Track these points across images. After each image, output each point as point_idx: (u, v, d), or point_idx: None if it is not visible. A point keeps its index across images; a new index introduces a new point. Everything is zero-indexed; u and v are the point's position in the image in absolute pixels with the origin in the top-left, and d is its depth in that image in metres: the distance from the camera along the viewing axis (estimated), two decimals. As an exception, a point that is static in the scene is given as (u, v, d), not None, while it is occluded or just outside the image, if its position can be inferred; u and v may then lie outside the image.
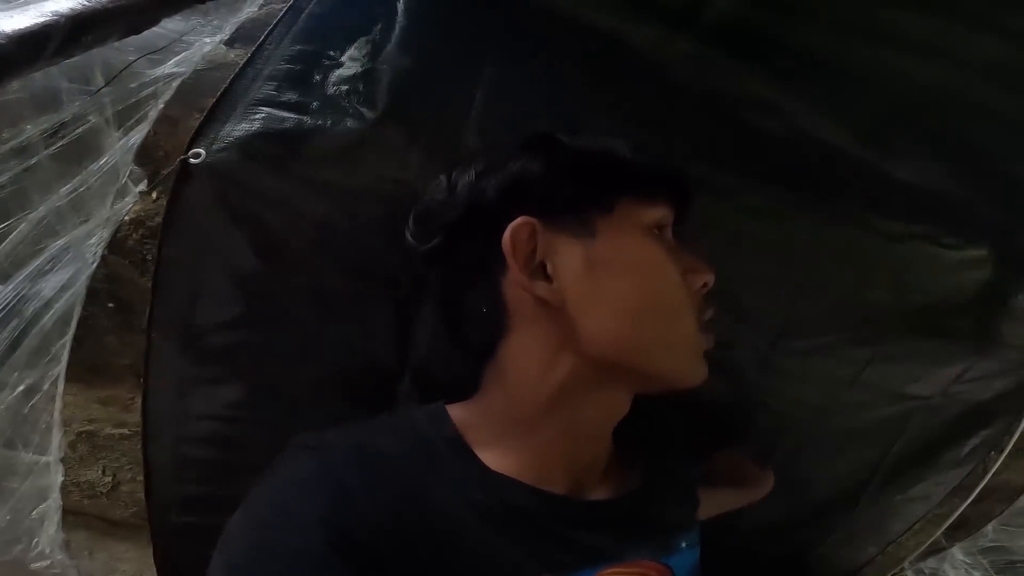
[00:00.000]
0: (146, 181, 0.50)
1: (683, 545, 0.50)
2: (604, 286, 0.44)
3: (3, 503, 0.56)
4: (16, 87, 0.41)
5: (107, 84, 0.43)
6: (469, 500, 0.42)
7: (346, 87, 0.56)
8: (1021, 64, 0.54)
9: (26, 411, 0.52)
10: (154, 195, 0.56)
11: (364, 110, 0.56)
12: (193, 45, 0.49)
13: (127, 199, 0.48)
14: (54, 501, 0.58)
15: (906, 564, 0.85)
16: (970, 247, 0.67)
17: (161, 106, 0.48)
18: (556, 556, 0.43)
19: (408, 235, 0.51)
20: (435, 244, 0.49)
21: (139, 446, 0.58)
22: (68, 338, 0.50)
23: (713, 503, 0.66)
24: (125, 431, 0.72)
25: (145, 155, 0.51)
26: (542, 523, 0.43)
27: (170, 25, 0.47)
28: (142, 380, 0.56)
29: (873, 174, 0.62)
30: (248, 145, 0.54)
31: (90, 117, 0.44)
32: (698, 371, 0.47)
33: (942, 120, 0.58)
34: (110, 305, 0.65)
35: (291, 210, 0.56)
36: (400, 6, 0.57)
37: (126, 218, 0.57)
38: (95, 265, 0.49)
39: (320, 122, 0.56)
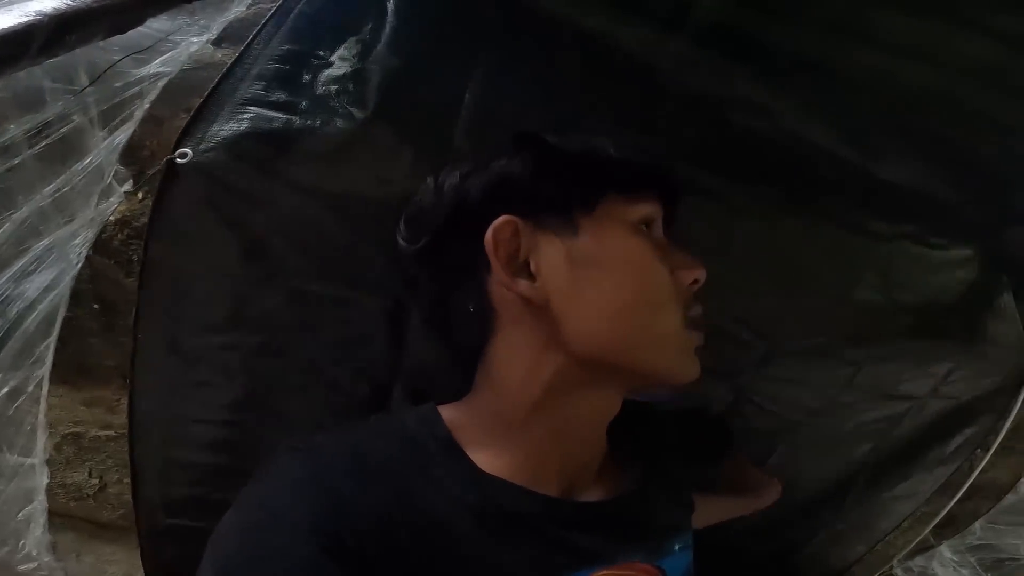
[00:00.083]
0: (131, 181, 0.49)
1: (676, 548, 0.50)
2: (587, 283, 0.44)
3: (-12, 505, 0.55)
4: (-1, 86, 0.41)
5: (91, 84, 0.43)
6: (461, 502, 0.42)
7: (335, 87, 0.56)
8: (1005, 65, 0.55)
9: (10, 413, 0.52)
10: (140, 195, 0.55)
11: (354, 110, 0.56)
12: (180, 45, 0.49)
13: (112, 199, 0.48)
14: (40, 503, 0.58)
15: (895, 562, 0.86)
16: (956, 247, 0.68)
17: (147, 106, 0.47)
18: (549, 558, 0.43)
19: (399, 237, 0.51)
20: (422, 245, 0.49)
21: (126, 448, 0.57)
22: (52, 339, 0.49)
23: (717, 510, 0.66)
24: (111, 433, 0.72)
25: (130, 155, 0.51)
26: (535, 525, 0.43)
27: (156, 25, 0.46)
28: (128, 382, 0.55)
29: (859, 175, 0.62)
30: (236, 145, 0.54)
31: (74, 117, 0.43)
32: (688, 368, 0.46)
33: (927, 121, 0.59)
34: (95, 306, 0.64)
35: (279, 211, 0.56)
36: (390, 6, 0.56)
37: (111, 218, 0.56)
38: (79, 266, 0.49)
39: (309, 122, 0.55)
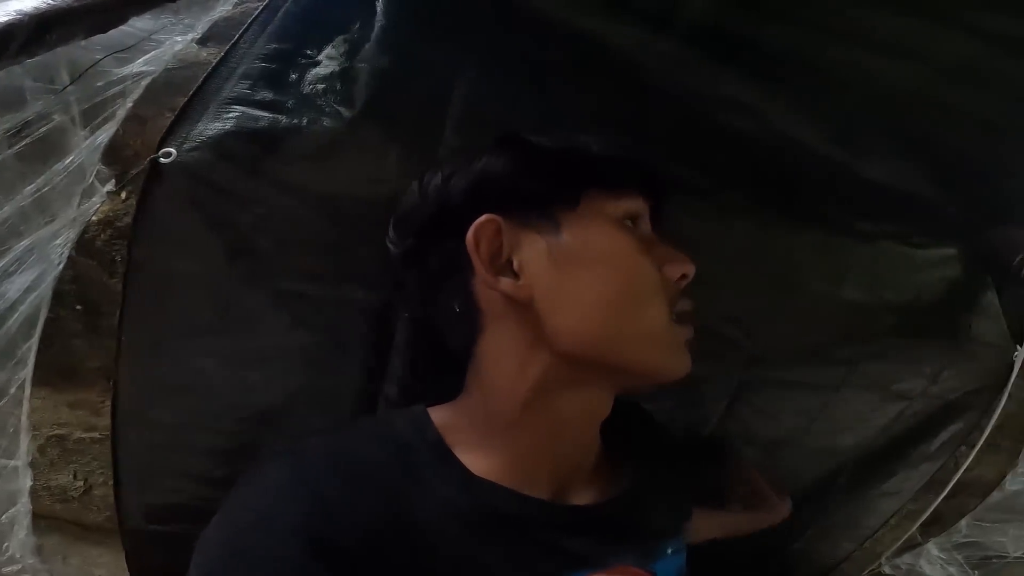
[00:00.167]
0: (114, 181, 0.49)
1: (668, 551, 0.50)
2: (570, 280, 0.44)
3: (-29, 508, 0.55)
4: (-21, 85, 0.40)
5: (72, 83, 0.42)
6: (450, 505, 0.41)
7: (323, 86, 0.56)
8: (990, 64, 0.55)
9: (-7, 415, 0.52)
10: (123, 195, 0.55)
11: (341, 109, 0.55)
12: (164, 44, 0.48)
13: (94, 199, 0.47)
14: (23, 505, 0.57)
15: (883, 560, 0.87)
16: (939, 246, 0.69)
17: (129, 105, 0.47)
18: (538, 562, 0.43)
19: (388, 242, 0.51)
20: (408, 247, 0.49)
21: (110, 450, 0.57)
22: (34, 341, 0.49)
23: (723, 525, 0.66)
24: (96, 435, 0.71)
25: (113, 155, 0.50)
26: (525, 529, 0.43)
27: (139, 24, 0.46)
28: (112, 384, 0.55)
29: (843, 174, 0.62)
30: (221, 144, 0.53)
31: (55, 116, 0.43)
32: (677, 363, 0.46)
33: (911, 120, 0.59)
34: (78, 307, 0.64)
35: (265, 211, 0.55)
36: (379, 5, 0.56)
37: (94, 219, 0.56)
38: (61, 266, 0.48)
39: (296, 121, 0.55)
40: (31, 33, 0.36)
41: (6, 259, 0.43)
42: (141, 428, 0.57)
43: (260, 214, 0.55)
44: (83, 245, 0.58)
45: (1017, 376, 0.75)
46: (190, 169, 0.53)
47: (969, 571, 0.85)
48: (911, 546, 0.86)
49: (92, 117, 0.45)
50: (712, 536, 0.63)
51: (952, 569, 0.85)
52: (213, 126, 0.53)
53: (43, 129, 0.42)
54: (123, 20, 0.42)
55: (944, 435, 0.78)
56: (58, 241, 0.47)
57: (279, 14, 0.55)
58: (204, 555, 0.37)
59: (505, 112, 0.57)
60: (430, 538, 0.40)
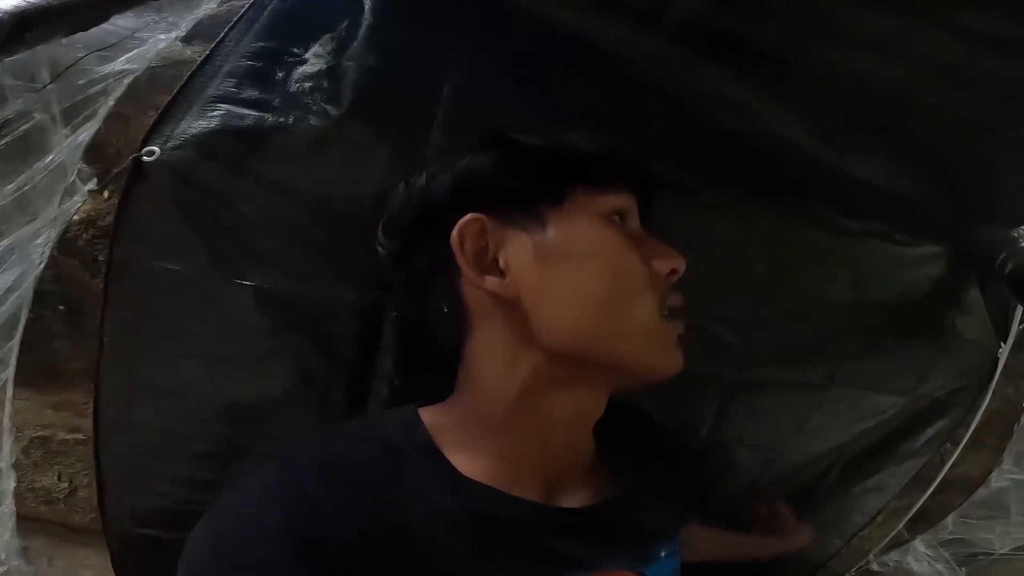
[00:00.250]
0: (96, 180, 0.48)
1: (662, 554, 0.49)
2: (556, 277, 0.44)
3: (-46, 511, 0.54)
4: (-43, 84, 0.40)
5: (52, 81, 0.42)
6: (440, 507, 0.41)
7: (309, 84, 0.55)
8: (976, 64, 0.55)
9: (-26, 416, 0.51)
10: (106, 194, 0.54)
11: (328, 107, 0.55)
12: (147, 42, 0.48)
13: (75, 198, 0.47)
14: (7, 507, 0.57)
15: (871, 556, 0.87)
16: (924, 244, 0.69)
17: (111, 103, 0.47)
18: (529, 565, 0.42)
19: (377, 244, 0.51)
20: (395, 248, 0.49)
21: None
22: (15, 342, 0.48)
23: (745, 547, 0.67)
24: (80, 436, 0.71)
25: (95, 153, 0.50)
26: (515, 531, 0.43)
27: (121, 22, 0.45)
28: (94, 387, 0.54)
29: (830, 172, 0.63)
30: (206, 143, 0.53)
31: (35, 114, 0.42)
32: (668, 360, 0.45)
33: (896, 119, 0.59)
34: (60, 308, 0.63)
35: (250, 210, 0.55)
36: (367, 3, 0.56)
37: (75, 218, 0.55)
38: (42, 266, 0.48)
39: (282, 119, 0.54)
40: (10, 31, 0.36)
41: (-14, 259, 0.43)
42: (125, 430, 0.56)
43: (245, 213, 0.55)
44: (65, 244, 0.57)
45: (1001, 373, 0.76)
46: (174, 168, 0.52)
47: (956, 568, 0.86)
48: (898, 543, 0.87)
49: (73, 115, 0.45)
50: (735, 557, 0.63)
51: (939, 566, 0.86)
52: (197, 124, 0.53)
53: (23, 127, 0.42)
54: (105, 18, 0.42)
55: (930, 432, 0.78)
56: (39, 240, 0.46)
57: (266, 12, 0.55)
58: (191, 556, 0.37)
59: (493, 111, 0.57)
60: (419, 540, 0.40)
